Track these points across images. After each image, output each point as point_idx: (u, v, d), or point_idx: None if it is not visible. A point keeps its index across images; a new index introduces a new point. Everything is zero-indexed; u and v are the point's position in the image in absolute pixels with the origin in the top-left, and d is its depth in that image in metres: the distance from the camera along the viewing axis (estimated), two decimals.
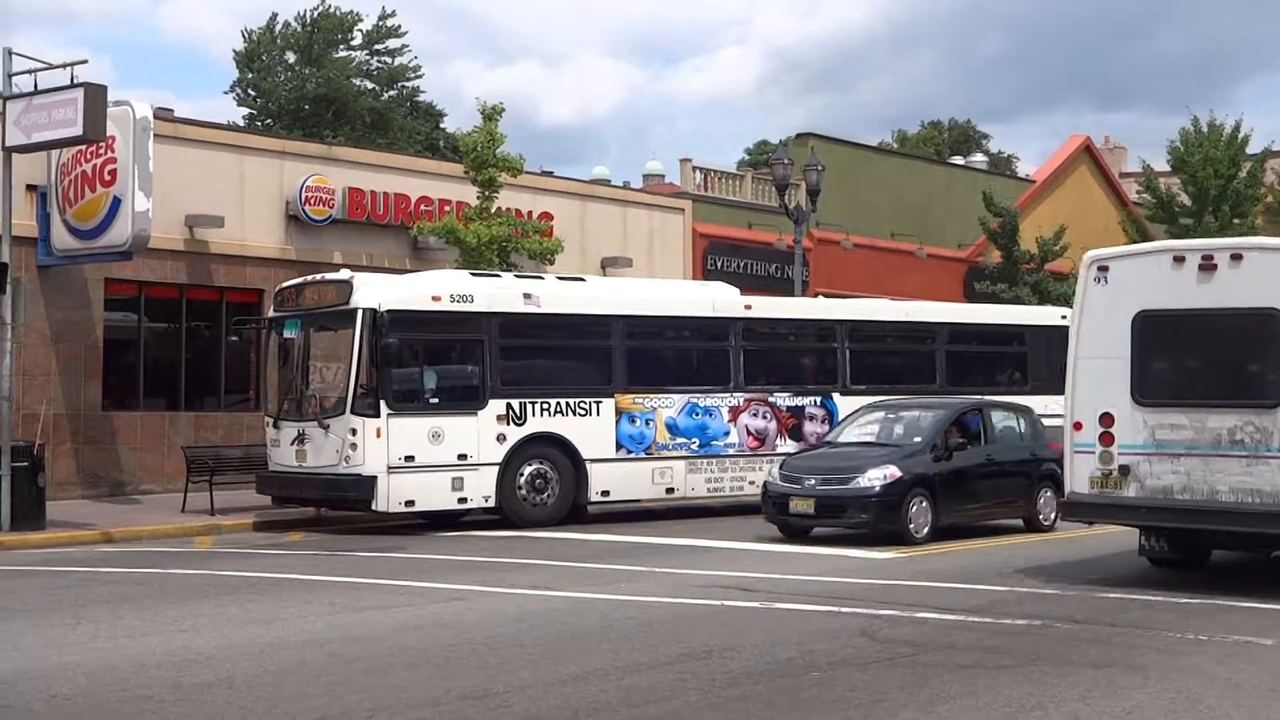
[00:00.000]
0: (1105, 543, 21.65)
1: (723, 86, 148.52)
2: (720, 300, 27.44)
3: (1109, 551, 20.52)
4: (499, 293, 24.67)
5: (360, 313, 23.02)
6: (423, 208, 33.45)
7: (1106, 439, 17.07)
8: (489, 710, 10.08)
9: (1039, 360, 30.24)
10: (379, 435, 22.80)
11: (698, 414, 26.06)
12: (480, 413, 23.80)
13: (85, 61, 23.74)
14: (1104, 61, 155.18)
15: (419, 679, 11.14)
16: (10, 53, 24.30)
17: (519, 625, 13.85)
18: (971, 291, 47.97)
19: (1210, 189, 49.80)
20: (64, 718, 9.88)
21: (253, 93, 69.02)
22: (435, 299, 23.86)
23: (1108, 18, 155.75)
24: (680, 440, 25.85)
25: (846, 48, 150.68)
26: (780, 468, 22.52)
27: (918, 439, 22.35)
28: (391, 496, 22.94)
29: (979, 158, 69.83)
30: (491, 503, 23.86)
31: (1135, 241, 51.41)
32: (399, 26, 70.48)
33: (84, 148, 25.50)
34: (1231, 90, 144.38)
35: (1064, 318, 30.91)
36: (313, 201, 31.85)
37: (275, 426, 24.40)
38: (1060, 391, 29.57)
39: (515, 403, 24.11)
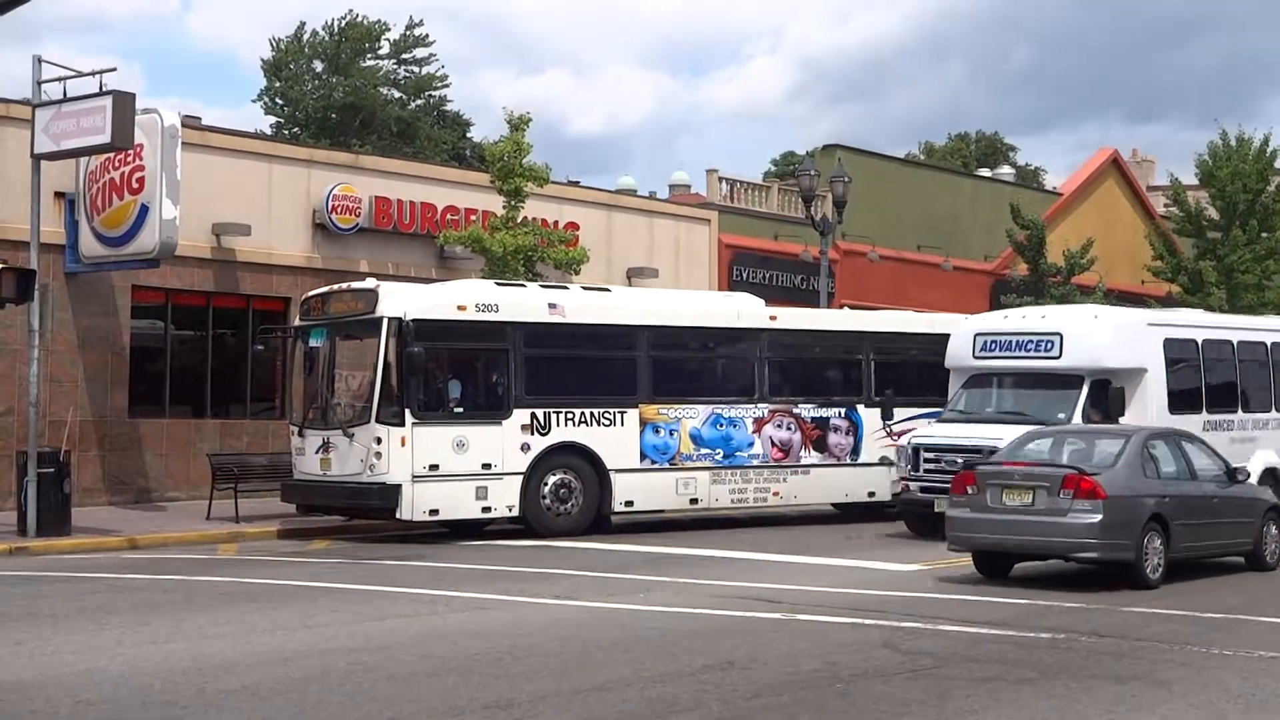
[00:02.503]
0: None
1: (752, 97, 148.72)
2: (745, 311, 27.41)
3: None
4: (524, 302, 24.70)
5: (386, 321, 23.06)
6: (449, 217, 33.51)
7: None
8: (513, 719, 10.08)
9: None
10: (404, 444, 22.83)
11: (722, 425, 26.04)
12: (505, 422, 23.83)
13: (114, 69, 23.87)
14: (1133, 74, 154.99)
15: (442, 688, 11.15)
16: (40, 60, 24.41)
17: (542, 635, 13.85)
18: (998, 304, 47.78)
19: (1238, 203, 49.61)
20: None
21: (280, 101, 69.24)
22: (460, 308, 23.89)
23: (1137, 30, 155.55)
24: (704, 451, 25.84)
25: (877, 58, 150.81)
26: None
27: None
28: (416, 505, 22.97)
29: (1006, 170, 69.70)
30: (515, 512, 23.88)
31: (1161, 255, 51.31)
32: (426, 36, 70.64)
33: (112, 155, 25.60)
34: (1261, 103, 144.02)
35: None
36: (339, 210, 31.94)
37: (300, 435, 24.44)
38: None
39: (540, 412, 24.13)
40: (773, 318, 27.52)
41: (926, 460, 24.33)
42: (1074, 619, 14.93)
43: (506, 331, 24.15)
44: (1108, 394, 24.19)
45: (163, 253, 25.99)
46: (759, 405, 26.53)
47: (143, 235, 25.84)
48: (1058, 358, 24.54)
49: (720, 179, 44.31)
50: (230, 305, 31.08)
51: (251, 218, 30.61)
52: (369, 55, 70.04)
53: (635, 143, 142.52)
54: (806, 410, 27.03)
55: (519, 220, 31.15)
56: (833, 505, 28.38)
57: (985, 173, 64.63)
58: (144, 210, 25.74)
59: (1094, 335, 24.73)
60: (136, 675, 11.63)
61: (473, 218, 33.14)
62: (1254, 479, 23.91)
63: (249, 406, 31.30)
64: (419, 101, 71.37)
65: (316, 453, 23.79)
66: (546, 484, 24.15)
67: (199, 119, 36.34)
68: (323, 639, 13.61)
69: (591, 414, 24.70)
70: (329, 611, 15.40)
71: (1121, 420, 23.64)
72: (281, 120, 68.67)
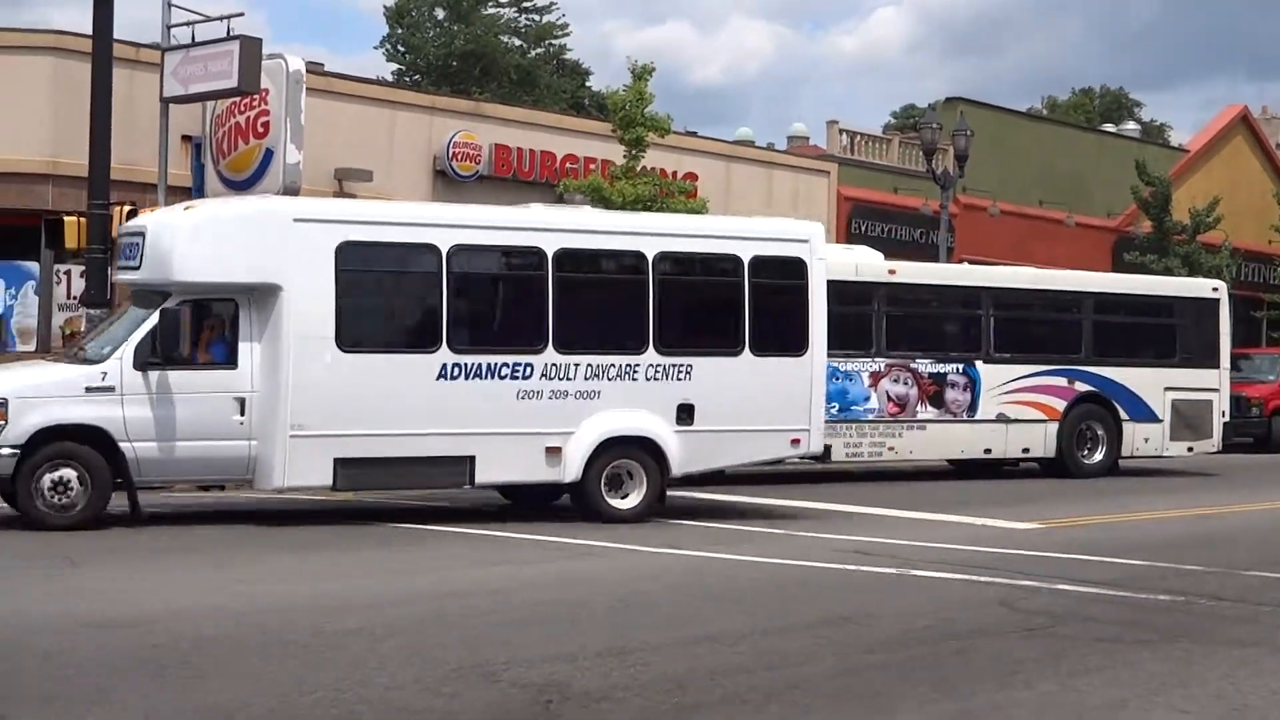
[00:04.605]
0: (1250, 521, 21.29)
1: (873, 48, 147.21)
2: (864, 264, 27.19)
3: (1254, 530, 20.15)
4: None
5: None
6: (568, 165, 33.61)
7: None
8: (626, 667, 10.12)
9: (1188, 333, 29.69)
10: None
11: (838, 378, 25.85)
12: None
13: (242, 14, 24.18)
14: (1262, 28, 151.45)
15: (554, 634, 11.21)
16: (170, 4, 24.75)
17: (653, 583, 13.89)
18: (1120, 262, 47.21)
19: None
20: (209, 658, 10.09)
21: (402, 49, 69.60)
22: None
23: None
24: None
25: (1000, 10, 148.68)
26: None
27: None
28: None
29: (1130, 126, 68.61)
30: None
31: None
32: None
33: (238, 100, 25.92)
34: None
35: (1215, 290, 30.49)
36: (460, 157, 32.13)
37: None
38: (1210, 365, 29.36)
39: None
40: (891, 271, 27.30)
41: None
42: (1193, 582, 14.70)
43: None
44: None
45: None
46: (876, 359, 26.36)
47: (267, 179, 26.13)
48: (138, 268, 17.85)
49: (840, 131, 44.02)
50: None
51: (373, 164, 30.87)
52: (490, 3, 70.18)
53: (754, 94, 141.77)
54: (924, 365, 26.81)
55: (638, 170, 31.13)
56: (948, 461, 28.25)
57: (1109, 128, 63.65)
58: (268, 155, 26.04)
59: (174, 236, 17.68)
60: (256, 613, 11.81)
61: (592, 167, 33.21)
62: (580, 458, 18.48)
63: None
64: (539, 50, 71.43)
65: None
66: None
67: (322, 65, 36.60)
68: (437, 582, 13.74)
69: None
70: (443, 555, 15.55)
71: (242, 358, 17.34)
72: (403, 68, 69.05)
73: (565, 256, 18.77)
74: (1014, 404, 27.45)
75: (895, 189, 43.41)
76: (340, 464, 17.51)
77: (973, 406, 27.20)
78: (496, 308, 19.51)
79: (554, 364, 18.42)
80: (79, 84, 24.38)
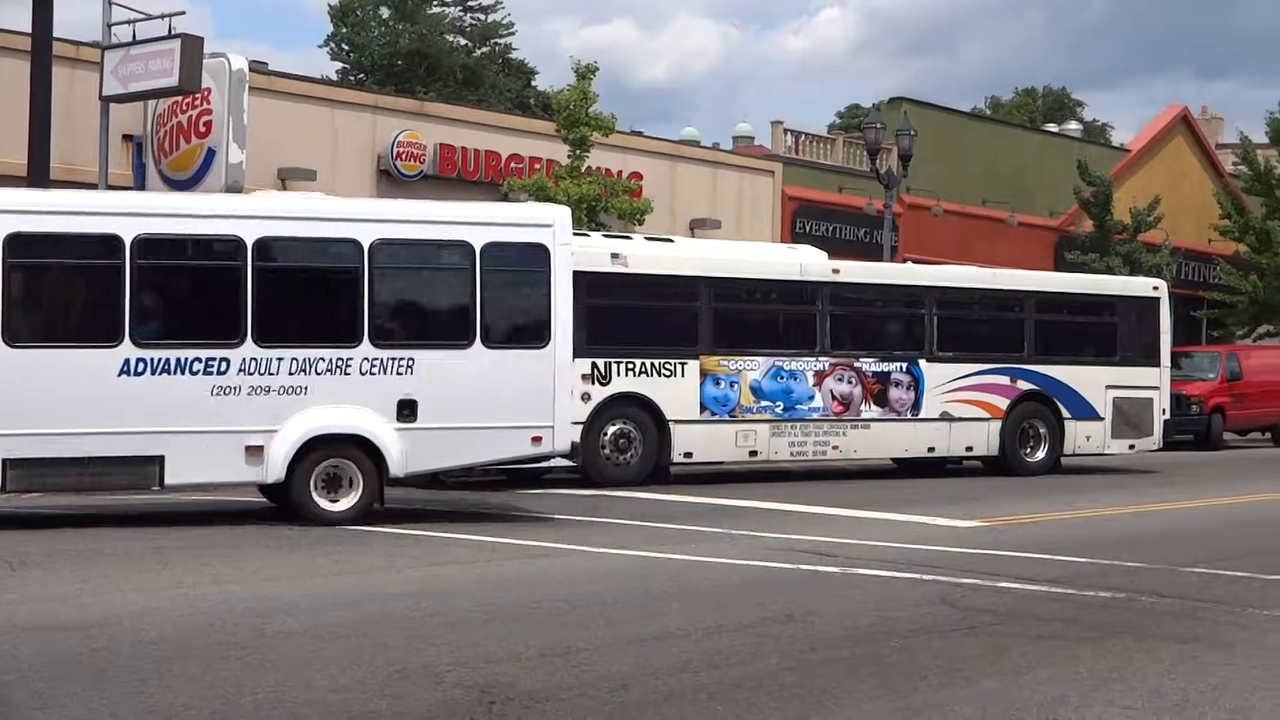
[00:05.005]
0: (1190, 518, 21.45)
1: (819, 49, 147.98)
2: (808, 264, 27.30)
3: (1194, 527, 20.31)
4: (586, 252, 24.60)
5: None
6: (513, 165, 33.57)
7: None
8: (570, 667, 10.12)
9: (1130, 331, 29.93)
10: None
11: (782, 377, 25.99)
12: None
13: (183, 13, 24.04)
14: (1206, 29, 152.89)
15: (499, 634, 11.20)
16: (110, 2, 24.59)
17: (599, 583, 13.88)
18: (1062, 261, 47.54)
19: None
20: (150, 661, 10.02)
21: (346, 47, 69.40)
22: None
23: None
24: (764, 403, 25.80)
25: (946, 11, 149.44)
26: None
27: None
28: None
29: (1073, 125, 69.10)
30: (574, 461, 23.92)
31: (1229, 213, 50.73)
32: None
33: (180, 99, 25.79)
34: None
35: (1155, 289, 30.73)
36: (404, 157, 32.05)
37: None
38: (1151, 363, 29.60)
39: (600, 362, 24.14)
40: (835, 270, 27.39)
41: None
42: (1135, 579, 14.82)
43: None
44: None
45: None
46: (820, 358, 26.45)
47: (209, 179, 26.03)
48: None
49: (785, 130, 44.15)
50: None
51: (317, 163, 30.77)
52: (435, 2, 70.11)
53: (700, 94, 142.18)
54: (868, 364, 26.92)
55: (583, 169, 31.14)
56: (892, 460, 28.38)
57: (1052, 128, 64.09)
58: (210, 154, 25.93)
59: None
60: (196, 615, 11.74)
61: (537, 166, 33.20)
62: (283, 458, 17.54)
63: None
64: (484, 49, 71.35)
65: None
66: (606, 433, 24.20)
67: (266, 64, 36.41)
68: (382, 583, 13.70)
69: (652, 364, 24.71)
70: (387, 556, 15.49)
71: None
72: (348, 66, 68.89)
73: (268, 245, 17.83)
74: (957, 402, 27.60)
75: (840, 189, 43.56)
76: (9, 464, 16.72)
77: (916, 405, 27.33)
78: (188, 300, 18.38)
79: (254, 358, 17.48)
80: (18, 83, 24.18)
